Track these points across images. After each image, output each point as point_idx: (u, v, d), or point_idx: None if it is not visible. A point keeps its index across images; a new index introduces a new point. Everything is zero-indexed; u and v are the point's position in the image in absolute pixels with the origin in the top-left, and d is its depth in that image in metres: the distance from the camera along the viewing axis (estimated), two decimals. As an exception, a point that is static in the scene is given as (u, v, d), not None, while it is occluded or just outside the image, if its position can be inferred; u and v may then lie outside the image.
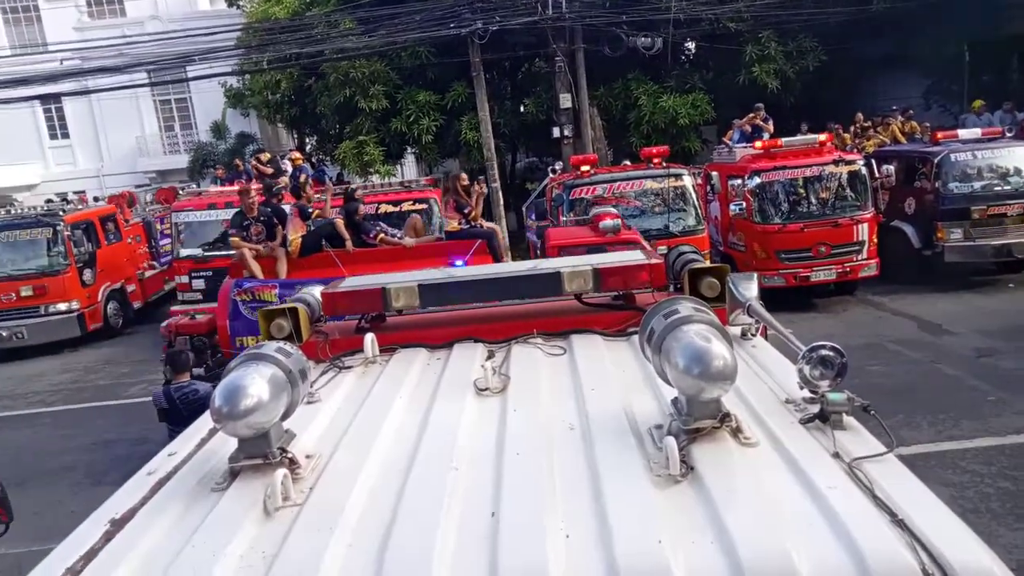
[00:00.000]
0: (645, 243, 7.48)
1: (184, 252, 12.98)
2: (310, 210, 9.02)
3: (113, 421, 9.68)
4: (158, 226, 16.59)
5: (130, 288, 15.08)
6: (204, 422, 2.02)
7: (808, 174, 11.42)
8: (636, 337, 2.27)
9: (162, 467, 1.75)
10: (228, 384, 1.56)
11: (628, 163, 14.35)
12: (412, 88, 16.65)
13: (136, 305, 15.25)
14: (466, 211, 9.13)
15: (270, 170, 16.20)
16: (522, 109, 18.05)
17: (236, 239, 8.42)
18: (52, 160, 27.94)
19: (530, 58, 17.81)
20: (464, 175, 9.85)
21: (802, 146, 11.78)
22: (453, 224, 9.02)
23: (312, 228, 8.84)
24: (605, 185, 11.51)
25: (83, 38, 22.87)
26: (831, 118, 15.64)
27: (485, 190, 13.69)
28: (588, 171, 11.69)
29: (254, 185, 15.03)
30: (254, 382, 1.56)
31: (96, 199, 17.91)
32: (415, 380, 2.21)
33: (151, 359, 12.40)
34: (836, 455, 1.50)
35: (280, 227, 8.61)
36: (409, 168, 25.19)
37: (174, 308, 13.29)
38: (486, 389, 2.02)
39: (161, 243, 16.38)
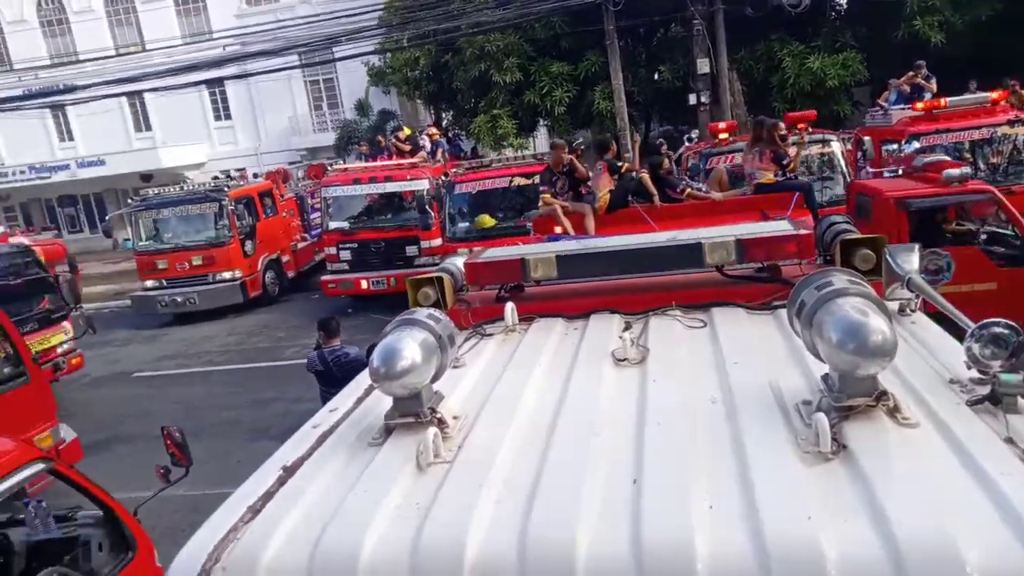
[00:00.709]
0: (1000, 195, 6.86)
1: (332, 225, 13.77)
2: (619, 164, 8.96)
3: (272, 380, 10.53)
4: (309, 200, 17.70)
5: (285, 259, 16.26)
6: (361, 381, 2.17)
7: (976, 136, 10.34)
8: (782, 311, 2.20)
9: (325, 422, 1.91)
10: (385, 347, 1.68)
11: (770, 129, 13.62)
12: (545, 60, 16.64)
13: (290, 274, 16.42)
14: (784, 162, 8.35)
15: (408, 147, 16.81)
16: (656, 76, 17.59)
17: (547, 195, 8.44)
18: (216, 140, 30.45)
19: (666, 23, 17.25)
20: (781, 123, 9.24)
21: (971, 106, 10.65)
22: (768, 176, 8.22)
23: (620, 183, 8.50)
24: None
25: (242, 24, 24.63)
26: (1006, 74, 14.02)
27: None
28: (727, 139, 11.22)
29: (394, 161, 15.75)
30: (408, 345, 1.67)
31: (255, 176, 19.34)
32: (553, 349, 2.26)
33: (304, 324, 13.38)
34: (1009, 440, 1.40)
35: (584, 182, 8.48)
36: (541, 140, 25.28)
37: (324, 278, 14.25)
38: (624, 360, 2.03)
39: (312, 216, 17.48)
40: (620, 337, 2.15)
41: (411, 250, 13.27)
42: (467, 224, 12.10)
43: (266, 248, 15.53)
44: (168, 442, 3.98)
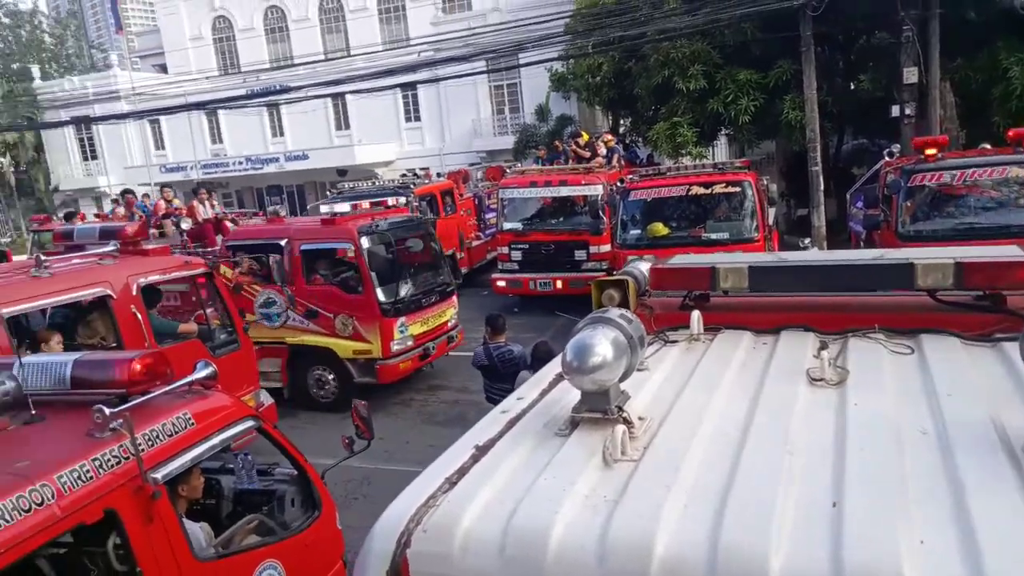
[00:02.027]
0: None
1: (507, 226, 14.20)
2: None
3: (441, 370, 11.05)
4: (486, 200, 18.37)
5: (459, 255, 16.99)
6: (547, 373, 2.26)
7: None
8: (1006, 344, 2.00)
9: (513, 408, 2.00)
10: (578, 342, 1.73)
11: (987, 146, 12.24)
12: (732, 67, 16.08)
13: (463, 270, 17.14)
14: None
15: (587, 153, 16.95)
16: (853, 86, 16.41)
17: None
18: (405, 140, 32.48)
19: (870, 29, 16.04)
20: None
21: None
22: None
23: None
24: (953, 172, 9.95)
25: (437, 31, 26.07)
26: None
27: None
28: (934, 155, 10.22)
29: (569, 165, 15.95)
30: (600, 343, 1.71)
31: (438, 175, 20.39)
32: (741, 361, 2.21)
33: (473, 319, 13.88)
34: None
35: None
36: (720, 150, 24.48)
37: (494, 276, 14.74)
38: (821, 380, 1.94)
39: (487, 216, 18.13)
40: (815, 356, 2.06)
41: (580, 254, 13.38)
42: (638, 231, 11.99)
43: (444, 244, 16.27)
44: (355, 415, 4.31)
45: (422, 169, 22.68)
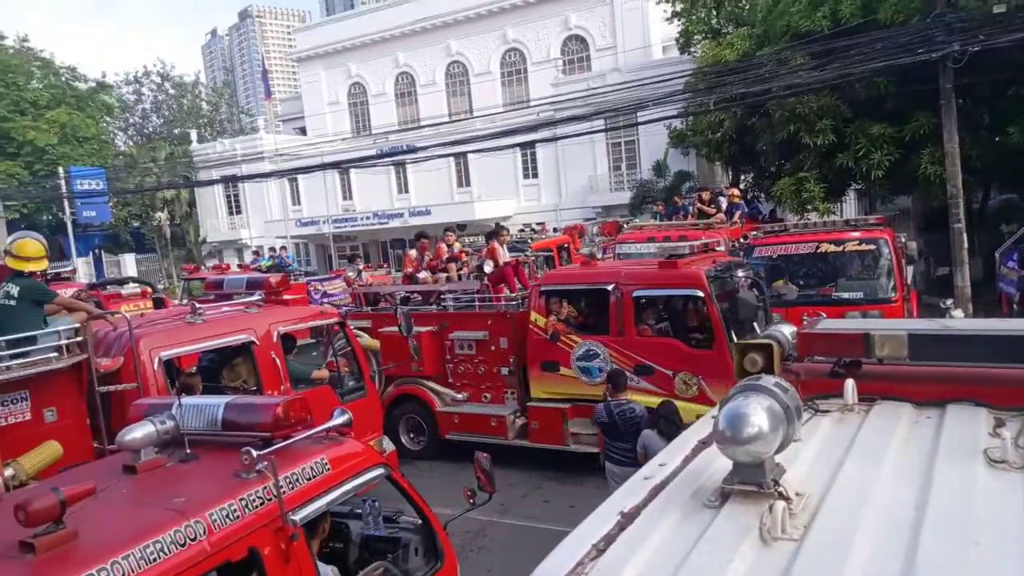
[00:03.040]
0: None
1: (623, 281, 14.07)
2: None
3: (555, 425, 10.94)
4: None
5: (574, 310, 16.97)
6: (688, 439, 2.18)
7: None
8: None
9: (656, 475, 1.94)
10: (732, 410, 1.67)
11: None
12: (864, 121, 15.45)
13: (577, 325, 17.08)
14: None
15: (712, 209, 16.66)
16: (997, 139, 15.31)
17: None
18: (523, 196, 33.26)
19: (1019, 79, 15.01)
20: None
21: None
22: None
23: None
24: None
25: (557, 92, 26.76)
26: None
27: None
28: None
29: (689, 221, 15.73)
30: (756, 412, 1.64)
31: (555, 230, 20.64)
32: (903, 437, 2.05)
33: (587, 375, 13.77)
34: None
35: None
36: (849, 206, 23.42)
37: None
38: (1003, 462, 1.77)
39: (603, 270, 18.05)
40: (992, 434, 1.88)
41: (701, 312, 13.01)
42: (763, 290, 11.56)
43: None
44: (477, 467, 4.33)
45: (538, 224, 23.06)
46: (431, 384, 9.65)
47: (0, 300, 5.50)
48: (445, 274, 11.30)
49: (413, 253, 11.69)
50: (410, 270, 11.37)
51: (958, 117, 13.77)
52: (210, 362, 6.85)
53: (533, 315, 8.70)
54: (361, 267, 19.38)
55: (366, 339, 9.08)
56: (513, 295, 9.56)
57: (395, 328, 8.89)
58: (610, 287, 8.19)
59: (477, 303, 9.68)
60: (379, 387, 8.80)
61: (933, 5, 13.21)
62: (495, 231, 11.46)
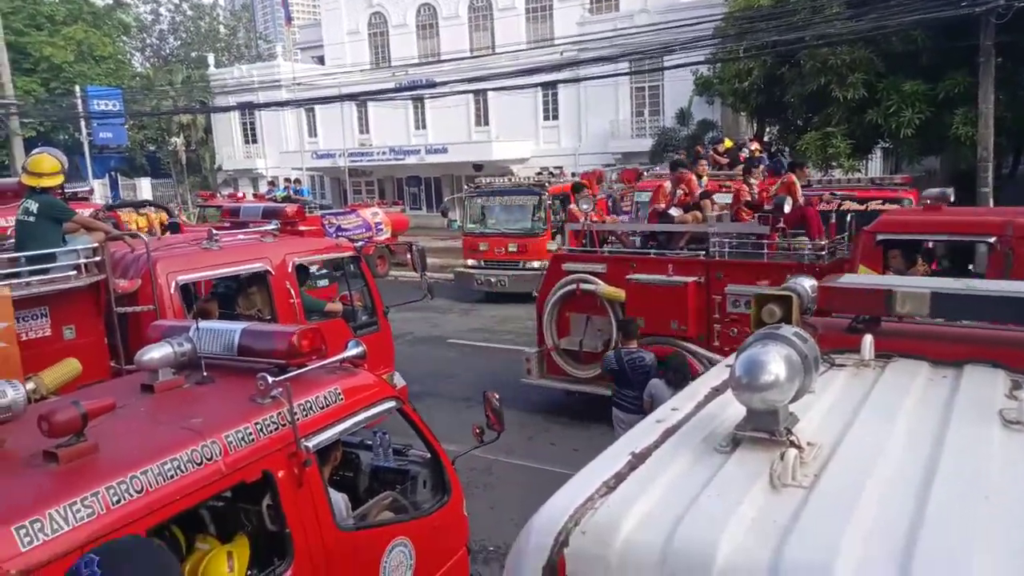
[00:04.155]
0: None
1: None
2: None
3: (563, 368, 11.06)
4: (620, 203, 18.17)
5: (588, 255, 16.93)
6: (702, 385, 2.19)
7: None
8: None
9: (668, 418, 1.96)
10: (750, 357, 1.66)
11: None
12: (897, 76, 15.01)
13: (590, 271, 17.06)
14: None
15: (726, 160, 16.38)
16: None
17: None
18: (542, 138, 32.80)
19: (1064, 39, 14.47)
20: None
21: None
22: None
23: None
24: None
25: (583, 32, 26.08)
26: None
27: None
28: None
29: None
30: (774, 360, 1.64)
31: (572, 174, 20.40)
32: (919, 394, 2.04)
33: (597, 321, 13.85)
34: None
35: None
36: (875, 164, 22.98)
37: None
38: (1018, 423, 1.77)
39: (620, 218, 17.92)
40: (1010, 395, 1.88)
41: (715, 263, 12.94)
42: (780, 245, 11.43)
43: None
44: (487, 406, 4.39)
45: (556, 168, 22.79)
46: (692, 346, 7.96)
47: (19, 216, 5.53)
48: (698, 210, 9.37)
49: (668, 185, 9.82)
50: (662, 205, 9.51)
51: (996, 77, 13.35)
52: (226, 288, 6.91)
53: (862, 268, 6.58)
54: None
55: (605, 288, 8.25)
56: (821, 243, 7.95)
57: (648, 276, 7.82)
58: (991, 239, 6.13)
59: (767, 250, 7.89)
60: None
61: (980, -44, 12.66)
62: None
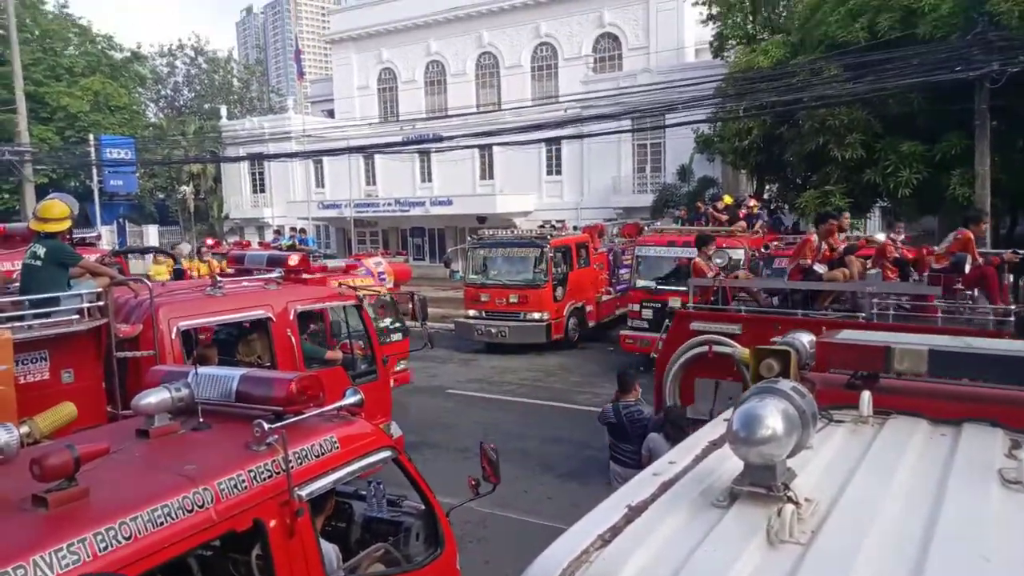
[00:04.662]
0: None
1: (640, 283, 14.08)
2: None
3: (562, 421, 10.99)
4: (620, 256, 18.32)
5: (588, 308, 16.98)
6: (700, 439, 2.18)
7: None
8: None
9: (665, 472, 1.94)
10: (747, 411, 1.66)
11: None
12: (894, 137, 15.27)
13: (591, 324, 17.09)
14: None
15: (725, 217, 16.59)
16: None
17: None
18: (545, 192, 33.19)
19: (1058, 103, 14.77)
20: None
21: None
22: None
23: None
24: None
25: (586, 90, 26.67)
26: None
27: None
28: None
29: (710, 227, 15.65)
30: (772, 414, 1.63)
31: (575, 228, 20.59)
32: (918, 452, 2.03)
33: (597, 373, 13.78)
34: None
35: None
36: (873, 223, 23.21)
37: (623, 332, 14.57)
38: (1018, 483, 1.75)
39: (620, 272, 18.04)
40: (1011, 455, 1.86)
41: (715, 319, 12.95)
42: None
43: (574, 296, 16.38)
44: (483, 458, 4.35)
45: (559, 221, 23.02)
46: None
47: (27, 260, 5.58)
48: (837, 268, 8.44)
49: (815, 239, 8.63)
50: (808, 261, 8.37)
51: (992, 139, 13.58)
52: (227, 335, 6.91)
53: None
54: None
55: (744, 351, 7.04)
56: (1001, 308, 7.02)
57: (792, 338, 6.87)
58: None
59: (941, 314, 6.95)
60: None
61: (974, 23, 13.02)
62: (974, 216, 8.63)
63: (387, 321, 11.34)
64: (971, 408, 2.26)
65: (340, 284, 7.90)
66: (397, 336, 11.39)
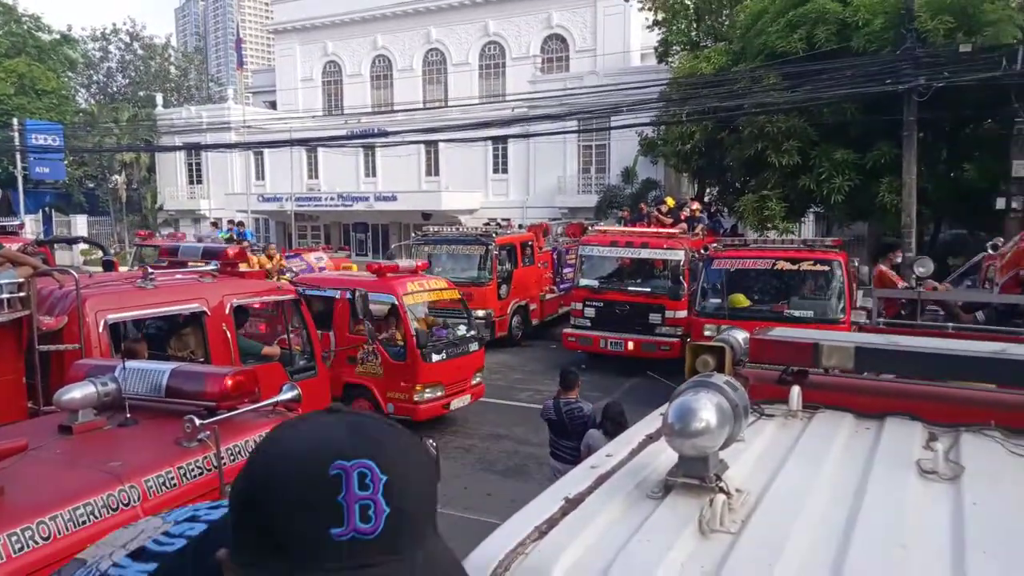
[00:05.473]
0: None
1: (583, 282, 14.22)
2: None
3: (503, 419, 11.00)
4: (564, 256, 18.47)
5: (532, 307, 17.07)
6: (637, 432, 2.21)
7: None
8: None
9: (602, 465, 1.96)
10: (682, 404, 1.69)
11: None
12: (829, 145, 15.84)
13: (534, 322, 17.18)
14: None
15: (669, 220, 16.92)
16: (952, 175, 15.88)
17: None
18: (491, 190, 33.19)
19: (978, 119, 15.57)
20: None
21: None
22: None
23: None
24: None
25: (534, 90, 26.78)
26: None
27: None
28: (1045, 251, 9.64)
29: (651, 228, 15.94)
30: (705, 407, 1.67)
31: (520, 226, 20.67)
32: (843, 444, 2.11)
33: (540, 371, 13.87)
34: None
35: None
36: (808, 227, 23.99)
37: (566, 331, 14.69)
38: (933, 473, 1.83)
39: (564, 271, 18.19)
40: (927, 447, 1.95)
41: (654, 317, 13.24)
42: (718, 301, 11.79)
43: (518, 294, 16.43)
44: (425, 454, 4.31)
45: (504, 219, 23.06)
46: None
47: (-60, 248, 5.28)
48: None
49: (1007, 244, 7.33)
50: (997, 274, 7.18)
51: (918, 150, 14.22)
52: (158, 329, 6.69)
53: None
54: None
55: None
56: None
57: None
58: None
59: None
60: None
61: (903, 39, 13.60)
62: None
63: (462, 329, 10.71)
64: (893, 403, 2.35)
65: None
66: (474, 346, 10.62)
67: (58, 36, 42.00)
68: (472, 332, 10.77)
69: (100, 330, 5.44)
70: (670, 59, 23.04)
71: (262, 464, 0.80)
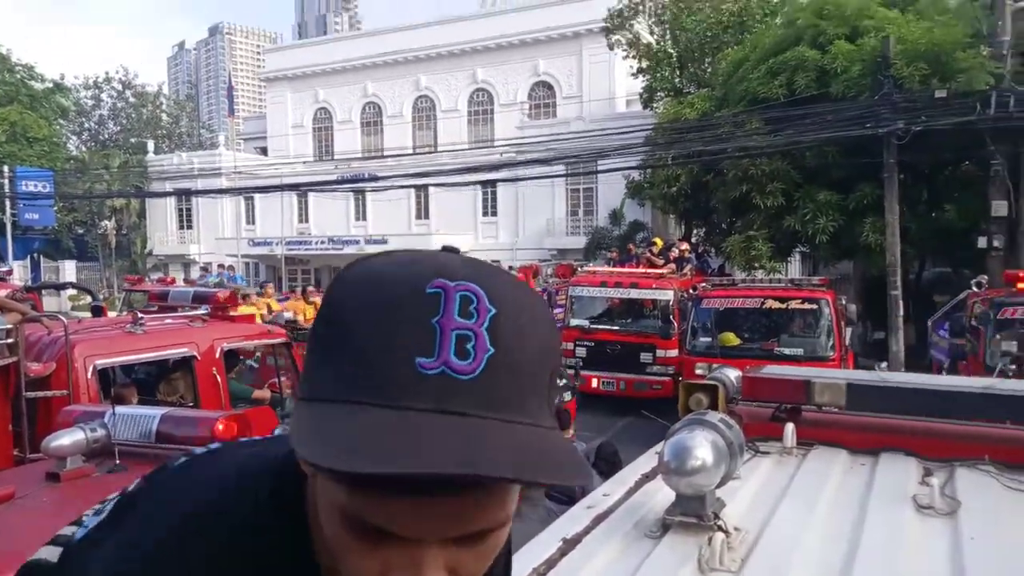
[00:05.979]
0: None
1: (574, 322, 14.25)
2: None
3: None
4: (554, 296, 18.51)
5: (523, 349, 17.01)
6: (634, 471, 2.21)
7: None
8: None
9: (599, 504, 1.96)
10: (677, 442, 1.70)
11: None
12: (812, 187, 16.11)
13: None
14: None
15: (660, 261, 17.06)
16: (933, 215, 16.16)
17: None
18: (481, 233, 33.40)
19: (957, 161, 15.92)
20: None
21: None
22: None
23: None
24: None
25: (522, 135, 27.20)
26: None
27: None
28: (1024, 288, 9.81)
29: (640, 269, 16.04)
30: (701, 445, 1.68)
31: (510, 267, 20.73)
32: (838, 481, 2.12)
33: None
34: None
35: None
36: (794, 267, 24.24)
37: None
38: (929, 508, 1.84)
39: (555, 311, 18.20)
40: (923, 483, 1.96)
41: (645, 357, 13.25)
42: (708, 340, 11.84)
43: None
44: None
45: (495, 261, 23.09)
46: None
47: (-72, 294, 5.24)
48: None
49: None
50: None
51: (899, 191, 14.47)
52: (147, 374, 6.62)
53: None
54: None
55: None
56: None
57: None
58: None
59: None
60: None
61: (881, 85, 13.97)
62: None
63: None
64: (887, 439, 2.37)
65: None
66: (567, 395, 8.93)
67: (51, 84, 42.40)
68: (563, 382, 10.25)
69: (88, 376, 5.38)
70: (655, 105, 23.51)
71: (352, 276, 0.67)
